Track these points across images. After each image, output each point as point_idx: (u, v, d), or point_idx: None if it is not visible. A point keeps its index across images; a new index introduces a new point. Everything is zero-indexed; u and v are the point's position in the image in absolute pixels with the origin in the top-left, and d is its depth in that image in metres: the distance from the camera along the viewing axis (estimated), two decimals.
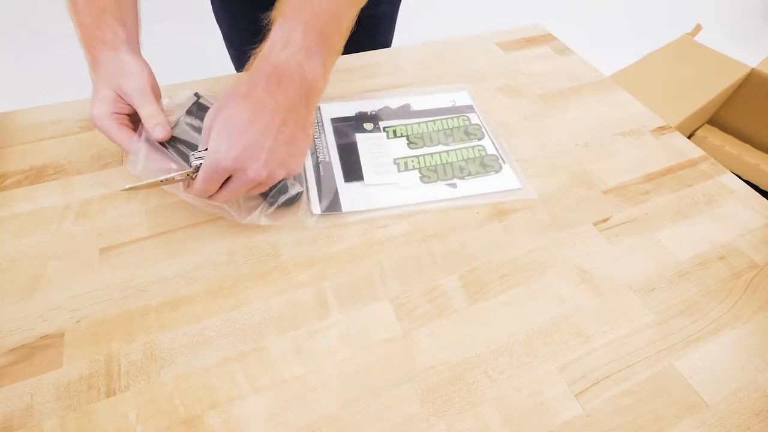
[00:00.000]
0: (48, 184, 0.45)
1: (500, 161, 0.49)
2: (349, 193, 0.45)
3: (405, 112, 0.55)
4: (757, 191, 0.50)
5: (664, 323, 0.38)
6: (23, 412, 0.31)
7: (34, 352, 0.34)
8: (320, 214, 0.43)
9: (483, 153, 0.50)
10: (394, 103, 0.56)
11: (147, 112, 0.39)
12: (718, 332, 0.38)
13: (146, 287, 0.38)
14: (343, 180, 0.46)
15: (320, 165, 0.47)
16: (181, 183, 0.39)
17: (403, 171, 0.48)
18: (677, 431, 0.32)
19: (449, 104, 0.56)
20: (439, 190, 0.46)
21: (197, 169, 0.36)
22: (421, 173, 0.48)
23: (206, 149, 0.35)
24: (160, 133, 0.40)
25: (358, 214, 0.44)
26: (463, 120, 0.54)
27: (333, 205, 0.44)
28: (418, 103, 0.56)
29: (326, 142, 0.50)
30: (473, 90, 0.59)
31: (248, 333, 0.35)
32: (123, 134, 0.40)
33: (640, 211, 0.47)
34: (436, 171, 0.48)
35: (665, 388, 0.34)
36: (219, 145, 0.34)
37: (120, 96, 0.40)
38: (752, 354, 0.36)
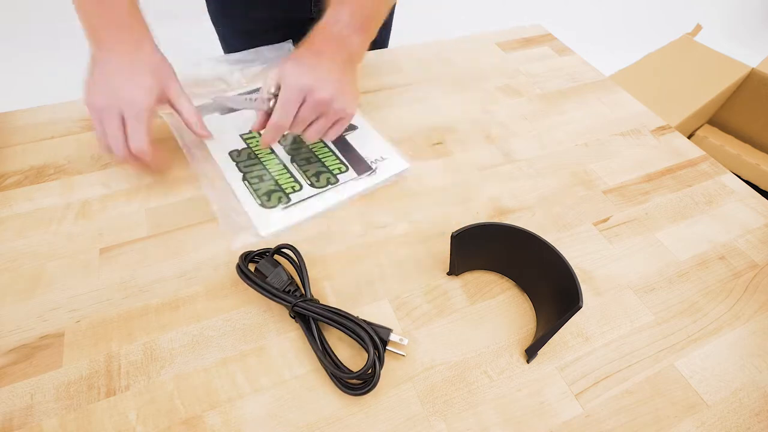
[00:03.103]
0: (48, 184, 0.45)
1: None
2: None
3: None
4: (757, 191, 0.50)
5: (664, 323, 0.38)
6: (23, 412, 0.31)
7: (34, 352, 0.34)
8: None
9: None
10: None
11: (188, 111, 0.43)
12: (718, 332, 0.38)
13: (146, 287, 0.38)
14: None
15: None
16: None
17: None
18: (677, 431, 0.32)
19: None
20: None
21: (274, 96, 0.42)
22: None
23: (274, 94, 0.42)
24: (205, 132, 0.45)
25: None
26: None
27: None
28: None
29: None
30: None
31: (248, 333, 0.35)
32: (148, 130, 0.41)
33: (640, 211, 0.47)
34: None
35: (665, 388, 0.34)
36: (291, 77, 0.41)
37: (163, 90, 0.42)
38: (752, 354, 0.36)
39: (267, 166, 0.47)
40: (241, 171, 0.47)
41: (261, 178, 0.46)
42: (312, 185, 0.46)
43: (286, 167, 0.48)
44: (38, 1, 1.66)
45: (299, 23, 0.69)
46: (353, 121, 0.53)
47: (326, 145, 0.50)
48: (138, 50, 0.41)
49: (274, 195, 0.45)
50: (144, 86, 0.40)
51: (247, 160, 0.48)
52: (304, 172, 0.47)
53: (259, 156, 0.48)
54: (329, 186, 0.46)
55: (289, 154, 0.49)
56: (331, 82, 0.42)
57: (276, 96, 0.42)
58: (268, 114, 0.43)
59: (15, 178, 0.46)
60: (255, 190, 0.45)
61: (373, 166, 0.48)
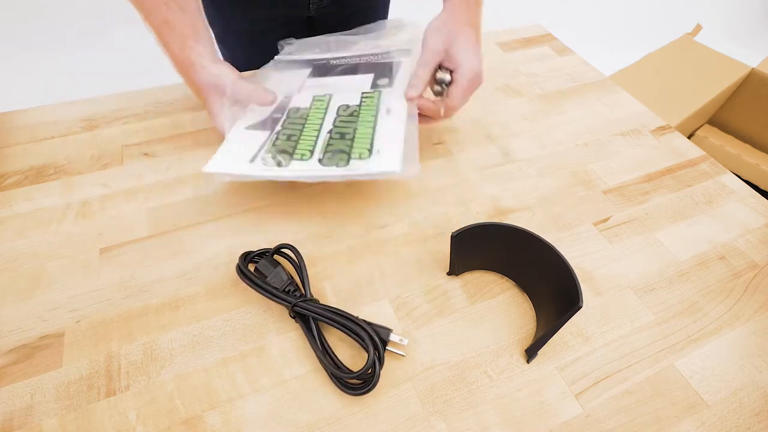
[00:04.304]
0: (48, 184, 0.45)
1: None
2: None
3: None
4: (757, 191, 0.50)
5: (664, 323, 0.38)
6: (23, 412, 0.31)
7: (34, 352, 0.34)
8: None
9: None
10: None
11: (251, 88, 0.45)
12: (718, 332, 0.38)
13: (146, 287, 0.38)
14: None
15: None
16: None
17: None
18: (677, 431, 0.32)
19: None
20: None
21: (448, 84, 0.45)
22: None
23: (443, 69, 0.46)
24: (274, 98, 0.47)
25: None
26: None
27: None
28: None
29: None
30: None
31: (248, 333, 0.35)
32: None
33: (640, 211, 0.47)
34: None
35: (665, 388, 0.34)
36: (472, 61, 0.44)
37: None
38: (752, 354, 0.36)
39: (305, 128, 0.45)
40: (281, 126, 0.46)
41: (289, 137, 0.44)
42: (320, 160, 0.42)
43: (318, 134, 0.45)
44: (38, 1, 1.66)
45: (299, 22, 0.69)
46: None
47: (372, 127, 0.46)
48: (191, 67, 0.44)
49: (281, 154, 0.42)
50: (212, 93, 0.45)
51: (297, 118, 0.47)
52: (328, 145, 0.43)
53: (308, 117, 0.47)
54: (334, 167, 0.42)
55: (335, 126, 0.45)
56: (481, 59, 0.46)
57: (443, 82, 0.45)
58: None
59: (15, 178, 0.46)
60: (273, 145, 0.43)
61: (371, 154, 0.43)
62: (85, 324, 0.35)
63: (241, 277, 0.37)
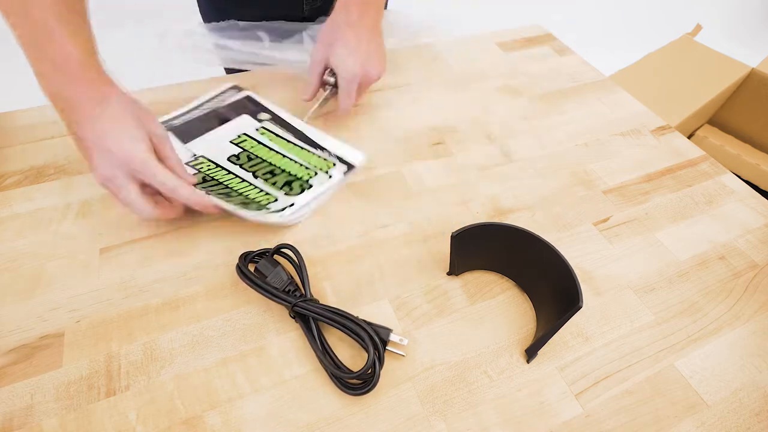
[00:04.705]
0: (48, 184, 0.45)
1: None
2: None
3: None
4: (757, 191, 0.50)
5: (664, 323, 0.38)
6: (23, 412, 0.31)
7: (34, 352, 0.34)
8: None
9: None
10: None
11: (176, 159, 0.40)
12: (718, 332, 0.38)
13: (146, 287, 0.38)
14: None
15: None
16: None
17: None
18: (677, 431, 0.32)
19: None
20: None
21: (334, 85, 0.51)
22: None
23: (330, 73, 0.50)
24: (190, 178, 0.40)
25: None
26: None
27: None
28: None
29: None
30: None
31: (248, 333, 0.35)
32: (177, 173, 0.38)
33: (640, 211, 0.47)
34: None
35: (665, 388, 0.34)
36: (347, 64, 0.48)
37: (150, 138, 0.37)
38: (752, 354, 0.36)
39: (230, 186, 0.44)
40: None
41: (228, 195, 0.43)
42: (287, 194, 0.44)
43: (251, 183, 0.45)
44: None
45: (294, 21, 0.68)
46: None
47: (295, 145, 0.50)
48: (107, 102, 0.36)
49: (251, 204, 0.42)
50: (136, 136, 0.36)
51: (209, 181, 0.45)
52: (272, 184, 0.45)
53: (216, 177, 0.45)
54: (304, 191, 0.44)
55: (249, 171, 0.46)
56: (376, 58, 0.50)
57: (328, 83, 0.51)
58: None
59: (15, 178, 0.46)
60: (228, 202, 0.41)
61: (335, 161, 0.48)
62: (85, 324, 0.35)
63: (241, 277, 0.37)
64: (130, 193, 0.36)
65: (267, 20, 0.66)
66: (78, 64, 0.35)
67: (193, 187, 0.39)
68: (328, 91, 0.52)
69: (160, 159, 0.38)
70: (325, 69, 0.51)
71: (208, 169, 0.46)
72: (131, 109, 0.37)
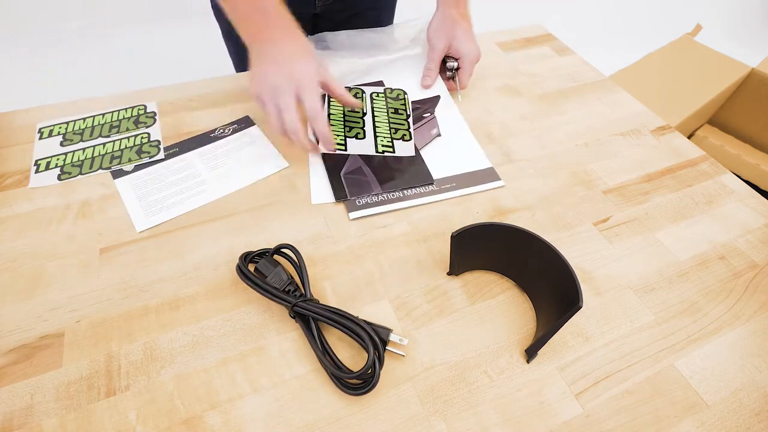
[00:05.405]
0: (48, 184, 0.45)
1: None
2: None
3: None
4: (757, 191, 0.50)
5: (664, 323, 0.38)
6: (23, 412, 0.31)
7: (34, 352, 0.34)
8: None
9: (145, 140, 0.49)
10: None
11: (342, 88, 0.48)
12: (718, 332, 0.38)
13: (146, 287, 0.38)
14: None
15: None
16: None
17: (40, 171, 0.46)
18: (677, 431, 0.32)
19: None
20: None
21: (455, 69, 0.58)
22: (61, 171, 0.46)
23: (450, 59, 0.58)
24: (360, 104, 0.52)
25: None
26: (137, 110, 0.54)
27: None
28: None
29: None
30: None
31: (248, 333, 0.35)
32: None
33: (640, 211, 0.47)
34: (79, 167, 0.46)
35: (665, 388, 0.34)
36: (471, 48, 0.57)
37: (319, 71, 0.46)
38: (752, 354, 0.36)
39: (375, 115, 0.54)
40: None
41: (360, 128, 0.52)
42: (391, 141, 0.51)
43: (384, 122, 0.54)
44: (38, 1, 1.66)
45: (304, 19, 0.69)
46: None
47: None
48: (293, 37, 0.46)
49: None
50: (311, 63, 0.45)
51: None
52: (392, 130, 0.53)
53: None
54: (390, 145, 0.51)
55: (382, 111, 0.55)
56: (475, 40, 0.58)
57: (452, 68, 0.58)
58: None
59: (15, 178, 0.46)
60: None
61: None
62: (85, 324, 0.35)
63: (241, 277, 0.37)
64: (288, 100, 0.43)
65: None
66: (274, 9, 0.45)
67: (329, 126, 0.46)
68: (451, 72, 0.58)
69: (330, 91, 0.47)
70: (445, 56, 0.58)
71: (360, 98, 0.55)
72: (311, 49, 0.47)
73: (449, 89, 0.59)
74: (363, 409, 0.32)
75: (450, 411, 0.32)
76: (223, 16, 0.71)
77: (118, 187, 0.45)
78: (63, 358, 0.33)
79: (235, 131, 0.52)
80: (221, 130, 0.52)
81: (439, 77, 0.60)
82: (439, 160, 0.50)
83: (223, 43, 0.76)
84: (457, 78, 0.58)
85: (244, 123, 0.53)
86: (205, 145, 0.50)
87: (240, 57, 0.74)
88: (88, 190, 0.45)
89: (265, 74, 0.44)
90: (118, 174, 0.47)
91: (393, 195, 0.46)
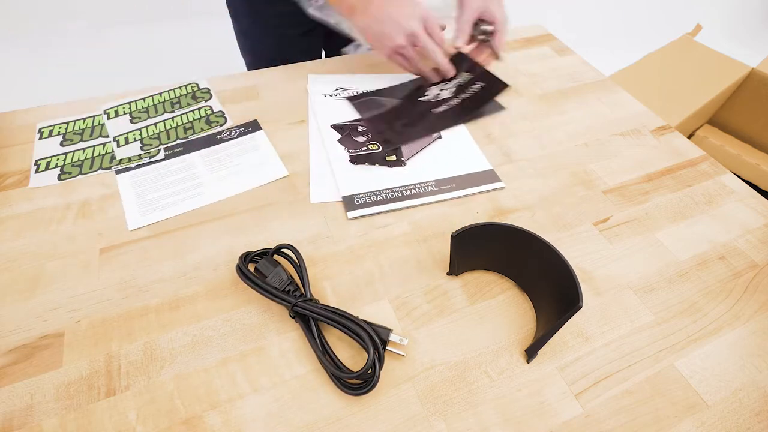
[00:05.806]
0: (48, 184, 0.45)
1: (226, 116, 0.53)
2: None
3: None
4: (757, 191, 0.50)
5: (664, 323, 0.38)
6: (23, 412, 0.31)
7: (34, 352, 0.34)
8: None
9: (209, 112, 0.52)
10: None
11: (441, 33, 0.54)
12: (718, 332, 0.38)
13: (146, 287, 0.38)
14: None
15: None
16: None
17: (123, 146, 0.49)
18: (677, 431, 0.32)
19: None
20: None
21: (490, 33, 0.57)
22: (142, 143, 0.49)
23: (483, 22, 0.57)
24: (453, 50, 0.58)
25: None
26: (191, 87, 0.57)
27: None
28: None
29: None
30: None
31: (248, 333, 0.35)
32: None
33: (640, 211, 0.47)
34: (158, 138, 0.50)
35: (665, 388, 0.34)
36: (504, 14, 0.57)
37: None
38: (752, 354, 0.36)
39: None
40: None
41: None
42: None
43: None
44: (38, 1, 1.66)
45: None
46: None
47: None
48: None
49: None
50: (419, 6, 0.51)
51: None
52: None
53: None
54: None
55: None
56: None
57: (486, 32, 0.58)
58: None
59: (15, 178, 0.46)
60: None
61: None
62: (85, 324, 0.35)
63: (241, 277, 0.37)
64: (423, 34, 0.51)
65: (297, 15, 0.65)
66: None
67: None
68: (484, 36, 0.58)
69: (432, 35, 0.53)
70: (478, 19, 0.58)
71: None
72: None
73: (474, 56, 0.59)
74: (363, 409, 0.32)
75: (450, 411, 0.32)
76: (239, 15, 0.72)
77: (119, 183, 0.45)
78: (63, 358, 0.33)
79: (241, 134, 0.52)
80: (227, 133, 0.52)
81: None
82: (440, 162, 0.50)
83: (227, 43, 0.76)
84: (492, 42, 0.57)
85: (251, 127, 0.53)
86: (209, 146, 0.50)
87: (255, 53, 0.74)
88: (88, 190, 0.45)
89: (383, 12, 0.51)
90: (121, 170, 0.47)
91: (393, 195, 0.46)
